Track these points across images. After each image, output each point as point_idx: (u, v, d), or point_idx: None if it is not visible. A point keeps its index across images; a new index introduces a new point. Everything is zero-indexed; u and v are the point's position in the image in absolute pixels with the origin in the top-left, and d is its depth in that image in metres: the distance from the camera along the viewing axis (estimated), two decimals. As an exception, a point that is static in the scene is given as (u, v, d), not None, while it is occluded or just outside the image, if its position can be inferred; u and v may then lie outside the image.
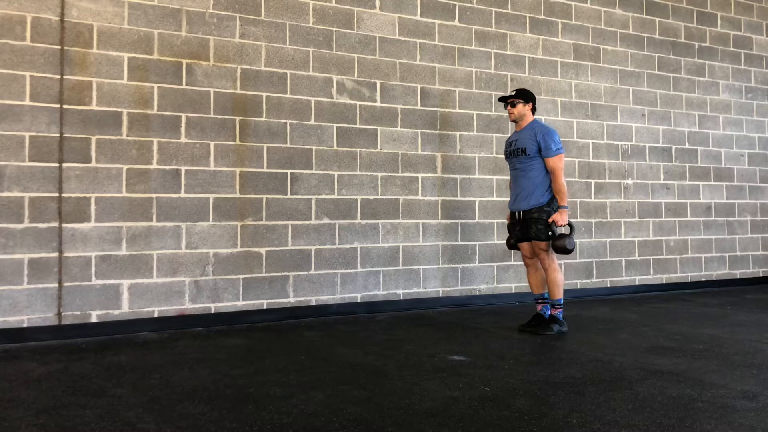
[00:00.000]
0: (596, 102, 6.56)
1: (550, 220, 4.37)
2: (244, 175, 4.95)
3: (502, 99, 4.67)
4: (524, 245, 4.59)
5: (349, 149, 5.36)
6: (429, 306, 5.59)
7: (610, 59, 6.67)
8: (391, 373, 3.42)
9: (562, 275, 4.52)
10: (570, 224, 4.46)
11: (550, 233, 4.39)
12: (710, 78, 7.30)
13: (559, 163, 4.41)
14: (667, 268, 6.88)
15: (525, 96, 4.59)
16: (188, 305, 4.72)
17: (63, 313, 4.35)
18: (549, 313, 4.55)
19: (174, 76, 4.75)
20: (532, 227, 4.44)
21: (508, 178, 6.14)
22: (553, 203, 4.45)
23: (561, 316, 4.51)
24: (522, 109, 4.57)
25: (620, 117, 6.70)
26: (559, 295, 4.46)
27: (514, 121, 4.63)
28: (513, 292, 6.03)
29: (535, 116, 4.63)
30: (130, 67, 4.61)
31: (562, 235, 4.34)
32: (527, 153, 4.45)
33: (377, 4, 5.53)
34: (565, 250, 4.30)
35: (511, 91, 4.75)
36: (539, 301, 4.62)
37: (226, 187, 4.88)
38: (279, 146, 5.08)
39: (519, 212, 4.53)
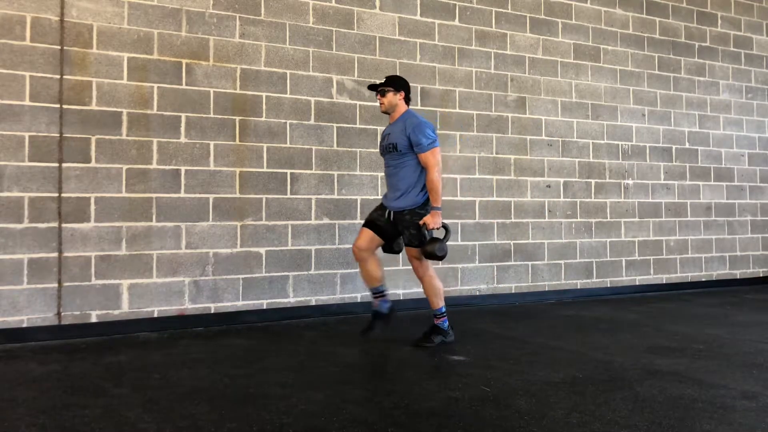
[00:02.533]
0: (596, 102, 6.56)
1: (421, 222, 3.94)
2: (244, 175, 4.95)
3: (371, 87, 4.20)
4: (365, 236, 4.13)
5: (349, 149, 5.35)
6: (429, 306, 5.57)
7: (610, 59, 6.67)
8: (391, 373, 3.42)
9: (440, 281, 4.12)
10: (445, 227, 4.05)
11: (422, 238, 3.96)
12: (710, 78, 7.30)
13: (432, 158, 3.94)
14: (668, 268, 6.88)
15: (395, 83, 4.11)
16: (188, 305, 4.72)
17: (63, 313, 4.35)
18: (387, 306, 4.21)
19: (174, 76, 4.75)
20: (405, 233, 4.03)
21: (505, 177, 6.18)
22: (428, 205, 4.02)
23: (446, 325, 4.12)
24: (392, 98, 4.09)
25: (620, 117, 6.69)
26: (441, 303, 4.08)
27: (385, 112, 4.18)
28: (513, 292, 6.03)
29: (410, 106, 4.21)
30: (130, 67, 4.61)
31: (434, 240, 3.92)
32: (398, 149, 4.00)
33: (377, 4, 5.53)
34: (434, 256, 3.90)
35: (384, 80, 4.21)
36: (376, 295, 4.21)
37: (225, 187, 4.88)
38: (279, 146, 5.08)
39: (390, 211, 4.09)
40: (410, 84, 5.59)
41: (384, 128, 4.42)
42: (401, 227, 4.05)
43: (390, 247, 4.22)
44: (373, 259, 4.15)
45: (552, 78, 6.33)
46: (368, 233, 4.13)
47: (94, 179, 4.47)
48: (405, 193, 4.01)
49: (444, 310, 4.11)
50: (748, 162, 7.48)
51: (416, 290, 5.57)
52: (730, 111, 7.40)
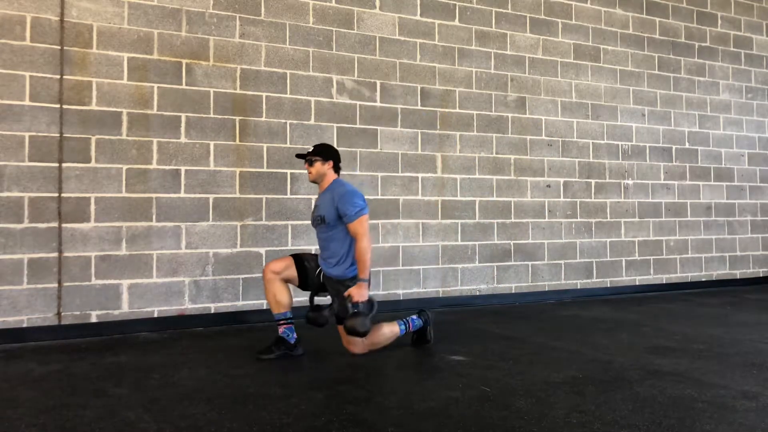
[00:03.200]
0: (596, 102, 6.56)
1: (345, 293, 3.68)
2: (244, 175, 4.95)
3: (299, 156, 3.99)
4: (285, 262, 3.87)
5: (349, 149, 5.35)
6: (429, 306, 5.56)
7: (610, 59, 6.67)
8: (391, 373, 3.42)
9: (387, 327, 3.92)
10: (371, 301, 3.72)
11: (345, 311, 3.67)
12: (710, 78, 7.30)
13: (360, 227, 3.71)
14: (667, 268, 6.88)
15: (323, 153, 3.92)
16: (188, 305, 4.72)
17: (63, 313, 4.35)
18: (294, 336, 3.85)
19: (174, 76, 4.75)
20: (335, 301, 3.84)
21: (505, 177, 6.19)
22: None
23: (418, 322, 4.05)
24: (321, 167, 3.88)
25: (620, 117, 6.69)
26: (396, 329, 3.96)
27: (313, 182, 3.97)
28: (513, 292, 6.03)
29: (340, 175, 4.00)
30: (130, 67, 4.61)
31: (357, 314, 3.61)
32: (326, 221, 3.81)
33: (377, 4, 5.53)
34: (355, 332, 3.60)
35: (312, 148, 4.00)
36: (281, 322, 3.85)
37: (225, 187, 4.87)
38: (279, 146, 5.08)
39: (321, 271, 3.92)
40: (410, 84, 5.65)
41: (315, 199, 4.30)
42: (331, 294, 3.89)
43: (314, 315, 3.88)
44: (280, 283, 3.84)
45: (552, 78, 6.33)
46: (290, 263, 3.88)
47: (94, 179, 4.47)
48: (339, 262, 3.82)
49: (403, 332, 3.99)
50: (748, 162, 7.48)
51: (416, 290, 5.58)
52: (730, 111, 7.40)
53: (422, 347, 4.06)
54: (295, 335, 3.84)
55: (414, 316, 4.10)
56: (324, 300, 4.07)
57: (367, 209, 3.81)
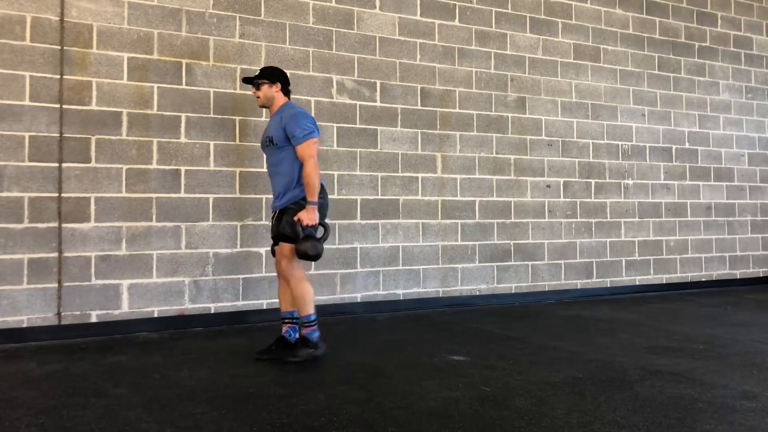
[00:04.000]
0: (596, 102, 6.56)
1: (295, 218, 3.62)
2: (244, 175, 4.95)
3: (246, 80, 3.92)
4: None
5: (349, 149, 5.35)
6: (429, 306, 5.59)
7: (610, 59, 6.67)
8: (391, 373, 3.42)
9: (310, 286, 3.72)
10: (323, 225, 3.74)
11: (296, 235, 3.62)
12: (710, 78, 7.30)
13: (308, 149, 3.64)
14: (667, 268, 6.88)
15: (270, 75, 3.84)
16: (188, 305, 4.72)
17: (63, 313, 4.35)
18: (296, 336, 3.80)
19: (174, 76, 4.75)
20: (281, 225, 3.72)
21: (505, 177, 6.18)
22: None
23: (315, 336, 3.70)
24: (268, 90, 3.81)
25: (620, 117, 6.69)
26: (309, 310, 3.68)
27: (262, 106, 3.92)
28: (513, 292, 6.03)
29: (289, 97, 3.92)
30: (130, 67, 4.61)
31: (308, 238, 3.59)
32: (274, 143, 3.74)
33: (377, 4, 5.53)
34: (306, 256, 3.57)
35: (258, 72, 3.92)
36: (287, 321, 3.84)
37: (225, 187, 4.87)
38: (279, 146, 5.07)
39: (275, 213, 3.82)
40: (410, 84, 5.65)
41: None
42: (282, 218, 3.74)
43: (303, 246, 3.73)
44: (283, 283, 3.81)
45: (552, 78, 6.33)
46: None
47: (94, 179, 4.47)
48: (287, 188, 3.74)
49: (314, 318, 3.69)
50: (748, 162, 7.48)
51: (416, 290, 5.58)
52: (730, 111, 7.40)
53: (311, 359, 3.69)
54: (297, 336, 3.78)
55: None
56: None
57: (317, 133, 3.73)
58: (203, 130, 4.82)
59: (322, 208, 3.77)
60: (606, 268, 6.52)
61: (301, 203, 3.68)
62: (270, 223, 3.96)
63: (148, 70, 4.67)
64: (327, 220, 3.94)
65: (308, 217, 3.60)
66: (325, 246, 5.18)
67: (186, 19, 4.80)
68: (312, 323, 3.69)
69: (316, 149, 3.69)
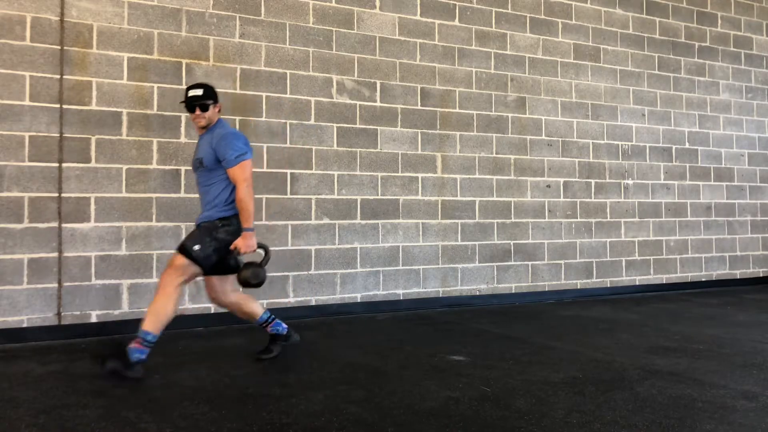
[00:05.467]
0: (596, 102, 6.56)
1: (231, 247, 3.43)
2: (244, 175, 4.94)
3: (188, 101, 3.53)
4: (210, 280, 3.60)
5: (349, 149, 5.35)
6: (429, 306, 5.59)
7: (610, 59, 6.67)
8: (391, 373, 3.42)
9: (173, 311, 3.35)
10: (263, 248, 3.55)
11: (200, 253, 3.38)
12: (710, 78, 7.30)
13: (240, 173, 3.42)
14: (667, 268, 6.87)
15: (215, 94, 3.59)
16: (188, 305, 4.72)
17: (63, 313, 4.35)
18: (283, 328, 3.78)
19: (174, 76, 4.75)
20: (192, 234, 3.49)
21: (505, 177, 6.19)
22: (234, 220, 3.48)
23: (137, 356, 3.30)
24: (213, 111, 3.56)
25: (620, 117, 6.69)
26: (154, 329, 3.31)
27: (203, 128, 3.58)
28: (513, 292, 6.03)
29: (221, 116, 3.72)
30: (130, 67, 4.61)
31: (249, 264, 3.45)
32: (204, 165, 3.49)
33: (377, 4, 5.53)
34: (248, 284, 3.43)
35: (195, 89, 3.55)
36: (264, 325, 3.76)
37: (226, 187, 4.87)
38: (279, 146, 5.08)
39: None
40: (410, 84, 5.65)
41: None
42: (196, 230, 3.53)
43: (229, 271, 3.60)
44: (240, 299, 3.69)
45: (552, 78, 6.33)
46: (209, 281, 3.63)
47: (94, 179, 4.47)
48: (209, 206, 3.53)
49: (152, 340, 3.35)
50: (748, 162, 7.48)
51: (416, 290, 5.58)
52: (730, 111, 7.40)
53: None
54: (283, 325, 3.81)
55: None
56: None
57: (251, 154, 3.51)
58: (203, 130, 4.81)
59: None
60: (606, 268, 6.52)
61: (215, 223, 3.46)
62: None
63: (148, 70, 4.67)
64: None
65: (245, 244, 3.42)
66: (326, 246, 5.20)
67: (186, 19, 4.80)
68: (148, 343, 3.33)
69: (249, 172, 3.47)
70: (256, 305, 3.74)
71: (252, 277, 3.44)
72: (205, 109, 3.53)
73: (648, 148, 6.84)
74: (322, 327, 4.77)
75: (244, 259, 3.63)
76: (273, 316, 3.79)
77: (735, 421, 2.61)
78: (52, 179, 4.36)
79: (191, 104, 3.53)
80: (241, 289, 3.72)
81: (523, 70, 6.19)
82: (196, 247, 3.38)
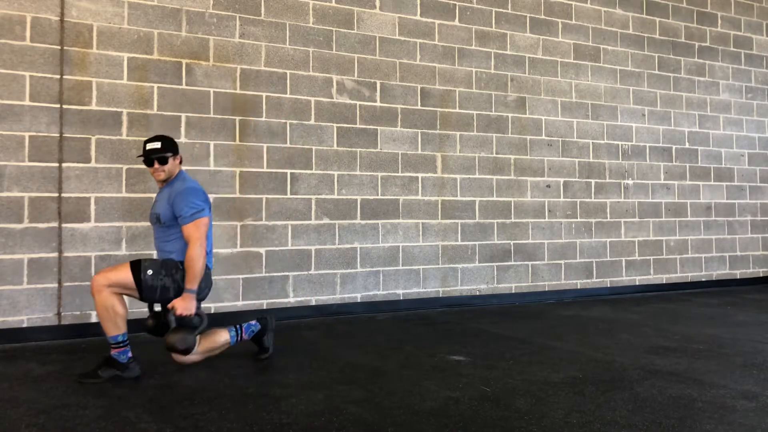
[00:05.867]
0: (596, 102, 6.56)
1: (170, 306, 3.29)
2: (244, 175, 4.95)
3: (147, 155, 3.41)
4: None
5: (349, 149, 5.35)
6: (429, 306, 5.59)
7: (610, 59, 6.67)
8: (391, 373, 3.42)
9: (120, 305, 3.27)
10: (200, 315, 3.36)
11: (167, 319, 3.30)
12: (710, 78, 7.30)
13: (195, 231, 3.28)
14: (667, 268, 6.87)
15: (174, 146, 3.48)
16: (188, 305, 4.71)
17: (63, 313, 4.35)
18: (255, 325, 3.69)
19: (174, 76, 4.75)
20: (147, 260, 3.36)
21: (505, 177, 6.19)
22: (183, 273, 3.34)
23: (124, 357, 3.29)
24: (173, 164, 3.45)
25: (620, 117, 6.69)
26: (115, 330, 3.26)
27: (164, 181, 3.48)
28: (513, 292, 6.03)
29: (183, 167, 3.64)
30: (130, 67, 4.61)
31: (180, 329, 3.26)
32: (161, 220, 3.39)
33: (377, 4, 5.53)
34: (173, 348, 3.27)
35: (153, 142, 3.44)
36: (240, 340, 3.66)
37: (225, 187, 4.87)
38: (279, 146, 5.08)
39: None
40: (410, 84, 5.65)
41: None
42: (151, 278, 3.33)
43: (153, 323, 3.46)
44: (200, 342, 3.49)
45: (552, 78, 6.33)
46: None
47: (94, 179, 4.47)
48: (172, 254, 3.43)
49: (123, 339, 3.29)
50: (748, 162, 7.48)
51: (416, 290, 5.58)
52: (730, 111, 7.40)
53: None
54: (251, 322, 3.70)
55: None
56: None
57: (208, 212, 3.39)
58: (203, 130, 4.82)
59: (199, 293, 3.42)
60: (606, 268, 6.52)
61: (178, 266, 3.36)
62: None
63: (148, 70, 4.67)
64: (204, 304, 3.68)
65: (183, 306, 3.26)
66: (326, 246, 5.20)
67: (186, 19, 4.80)
68: (119, 345, 3.27)
69: (204, 230, 3.32)
70: (220, 336, 3.54)
71: (179, 342, 3.25)
72: (163, 162, 3.42)
73: (648, 148, 6.84)
74: (322, 327, 4.77)
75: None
76: (239, 327, 3.63)
77: (735, 421, 2.61)
78: (52, 179, 4.36)
79: (149, 158, 3.41)
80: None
81: (523, 70, 6.19)
82: (149, 272, 3.27)
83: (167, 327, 3.34)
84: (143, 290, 3.31)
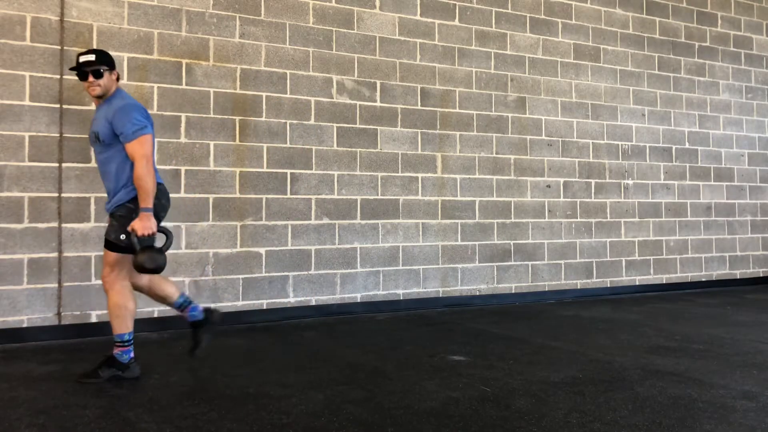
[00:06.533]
0: (596, 102, 6.56)
1: (129, 228, 3.16)
2: (244, 175, 4.95)
3: (79, 68, 3.25)
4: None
5: (349, 149, 5.35)
6: (429, 306, 5.59)
7: (610, 59, 6.67)
8: (391, 373, 3.42)
9: (132, 301, 3.28)
10: (164, 231, 3.29)
11: (127, 241, 3.18)
12: (710, 78, 7.30)
13: (139, 148, 3.15)
14: (667, 268, 6.87)
15: (110, 60, 3.29)
16: (188, 305, 4.71)
17: (63, 313, 4.35)
18: (199, 311, 3.53)
19: (174, 76, 4.75)
20: (108, 227, 3.27)
21: (505, 177, 6.19)
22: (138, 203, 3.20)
23: (126, 357, 3.28)
24: (109, 79, 3.28)
25: (620, 117, 6.69)
26: (123, 328, 3.24)
27: (98, 97, 3.30)
28: (513, 292, 6.03)
29: (120, 84, 3.42)
30: (130, 67, 4.61)
31: (145, 249, 3.16)
32: (101, 139, 3.22)
33: (377, 4, 5.53)
34: (143, 269, 3.16)
35: (87, 55, 3.27)
36: (181, 310, 3.52)
37: (225, 187, 4.87)
38: (279, 146, 5.08)
39: (108, 217, 3.33)
40: (410, 84, 5.65)
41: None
42: (109, 221, 3.28)
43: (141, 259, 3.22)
44: (150, 279, 3.43)
45: (552, 78, 6.33)
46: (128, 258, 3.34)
47: (94, 179, 4.47)
48: (116, 190, 3.26)
49: (129, 338, 3.27)
50: (748, 162, 7.48)
51: (416, 290, 5.58)
52: (730, 111, 7.40)
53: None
54: (199, 308, 3.50)
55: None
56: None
57: (151, 128, 3.25)
58: (203, 130, 4.82)
59: (161, 210, 3.31)
60: (606, 268, 6.52)
61: (129, 207, 3.22)
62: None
63: (148, 70, 4.67)
64: (168, 223, 3.57)
65: (142, 226, 3.13)
66: (326, 246, 5.20)
67: (186, 19, 4.80)
68: (125, 343, 3.26)
69: (149, 147, 3.20)
70: (168, 286, 3.46)
71: (148, 261, 3.14)
72: (98, 75, 3.23)
73: (648, 148, 6.84)
74: (322, 327, 4.77)
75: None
76: (189, 300, 3.49)
77: (735, 421, 2.61)
78: (52, 179, 4.36)
79: (82, 70, 3.23)
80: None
81: (523, 70, 6.19)
82: (122, 237, 3.18)
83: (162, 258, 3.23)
84: (135, 249, 3.19)
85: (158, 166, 4.65)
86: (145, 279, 3.40)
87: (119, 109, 3.19)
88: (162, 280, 3.47)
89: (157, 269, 3.20)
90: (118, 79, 3.35)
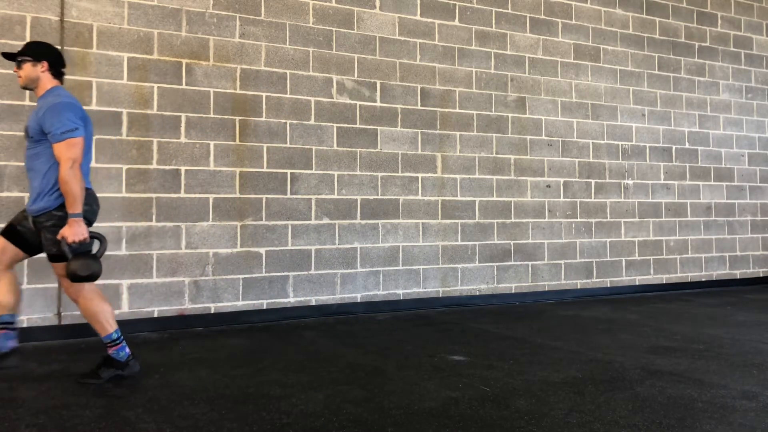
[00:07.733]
0: (596, 102, 6.56)
1: (59, 236, 3.04)
2: (244, 175, 4.95)
3: (7, 55, 3.23)
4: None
5: (349, 149, 5.35)
6: (429, 306, 5.59)
7: (610, 59, 6.67)
8: (391, 373, 3.41)
9: (104, 302, 3.22)
10: (97, 237, 3.17)
11: (58, 249, 3.09)
12: (710, 78, 7.30)
13: (66, 150, 3.01)
14: (668, 268, 6.87)
15: (35, 52, 3.18)
16: (188, 305, 4.72)
17: (63, 313, 4.35)
18: (9, 345, 3.30)
19: (174, 76, 4.75)
20: (43, 241, 3.14)
21: (505, 177, 6.19)
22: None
23: (122, 354, 3.27)
24: (31, 70, 3.17)
25: (620, 117, 6.69)
26: (108, 329, 3.22)
27: (25, 87, 3.24)
28: (513, 292, 6.03)
29: (61, 82, 3.28)
30: (130, 67, 4.61)
31: (78, 256, 3.06)
32: (30, 135, 3.12)
33: (377, 4, 5.53)
34: (78, 277, 3.04)
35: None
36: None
37: (225, 187, 4.87)
38: (279, 146, 5.08)
39: (30, 218, 3.20)
40: (410, 84, 5.65)
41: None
42: (42, 234, 3.15)
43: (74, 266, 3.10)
44: (4, 277, 3.25)
45: (552, 78, 6.33)
46: (1, 242, 3.23)
47: (94, 179, 4.46)
48: (41, 191, 3.12)
49: (117, 335, 3.25)
50: (748, 162, 7.48)
51: (416, 290, 5.58)
52: (730, 111, 7.40)
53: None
54: (127, 350, 3.29)
55: (128, 350, 3.32)
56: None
57: (82, 131, 3.10)
58: (203, 130, 4.82)
59: (91, 216, 3.21)
60: (606, 268, 6.52)
61: (58, 215, 3.10)
62: (25, 220, 3.25)
63: (148, 70, 4.67)
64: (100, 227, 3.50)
65: (72, 232, 3.01)
66: (326, 246, 5.20)
67: (186, 19, 4.80)
68: (115, 342, 3.24)
69: (78, 150, 3.05)
70: (9, 296, 3.25)
71: (81, 268, 3.03)
72: (18, 65, 3.17)
73: (648, 148, 6.84)
74: (322, 327, 4.77)
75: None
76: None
77: (735, 421, 2.61)
78: (52, 179, 4.35)
79: (11, 58, 3.20)
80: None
81: (523, 70, 6.19)
82: (62, 244, 3.06)
83: (97, 264, 3.11)
84: (78, 254, 3.10)
85: (158, 167, 4.65)
86: (80, 295, 3.21)
87: (50, 107, 3.07)
88: (11, 287, 3.27)
89: (92, 276, 3.08)
90: (58, 75, 3.24)
